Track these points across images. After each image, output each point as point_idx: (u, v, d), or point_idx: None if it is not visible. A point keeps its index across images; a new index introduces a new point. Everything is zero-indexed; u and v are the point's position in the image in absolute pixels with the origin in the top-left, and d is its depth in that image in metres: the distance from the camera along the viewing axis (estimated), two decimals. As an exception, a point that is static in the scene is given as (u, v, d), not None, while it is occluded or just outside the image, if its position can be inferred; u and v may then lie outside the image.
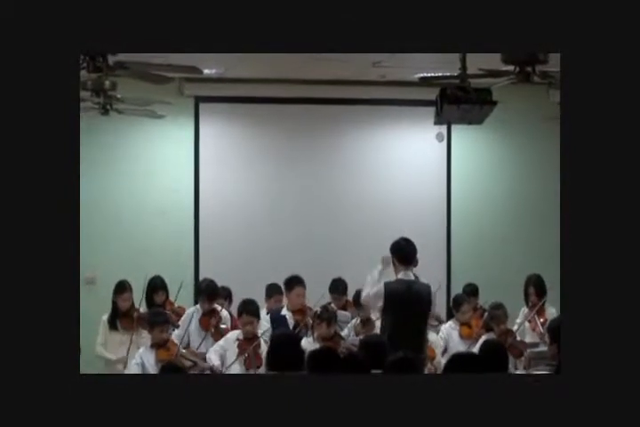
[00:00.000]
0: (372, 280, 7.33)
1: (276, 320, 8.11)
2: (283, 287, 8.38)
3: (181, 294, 8.61)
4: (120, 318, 8.10)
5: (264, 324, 8.04)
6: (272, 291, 8.79)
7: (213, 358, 7.47)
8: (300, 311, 8.09)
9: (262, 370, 7.18)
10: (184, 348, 7.66)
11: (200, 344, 7.98)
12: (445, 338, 8.36)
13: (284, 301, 8.51)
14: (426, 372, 7.22)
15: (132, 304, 8.18)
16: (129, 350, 7.86)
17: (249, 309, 7.67)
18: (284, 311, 8.24)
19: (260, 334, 7.58)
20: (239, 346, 7.46)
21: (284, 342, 6.52)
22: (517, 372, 7.29)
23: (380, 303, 7.17)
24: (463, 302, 8.65)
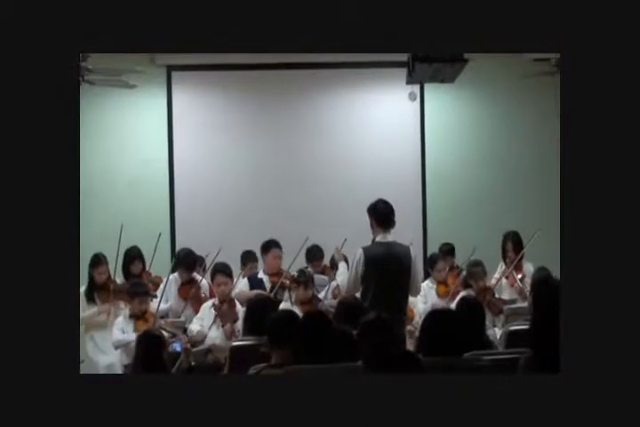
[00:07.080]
0: (346, 275, 7.12)
1: (254, 283, 8.15)
2: (259, 251, 8.37)
3: (158, 263, 8.58)
4: (97, 290, 8.06)
5: (241, 287, 8.08)
6: (247, 258, 8.80)
7: (194, 328, 7.46)
8: (276, 275, 8.10)
9: (238, 325, 7.17)
10: (161, 317, 7.65)
11: (180, 314, 7.98)
12: (424, 297, 8.37)
13: (260, 268, 8.51)
14: (406, 332, 7.23)
15: (109, 276, 8.13)
16: (110, 307, 7.91)
17: (222, 270, 7.71)
18: (261, 275, 8.26)
19: (234, 294, 7.63)
20: (215, 309, 7.47)
21: (262, 305, 6.55)
22: (495, 328, 7.31)
23: (362, 269, 6.87)
24: (438, 260, 8.68)
